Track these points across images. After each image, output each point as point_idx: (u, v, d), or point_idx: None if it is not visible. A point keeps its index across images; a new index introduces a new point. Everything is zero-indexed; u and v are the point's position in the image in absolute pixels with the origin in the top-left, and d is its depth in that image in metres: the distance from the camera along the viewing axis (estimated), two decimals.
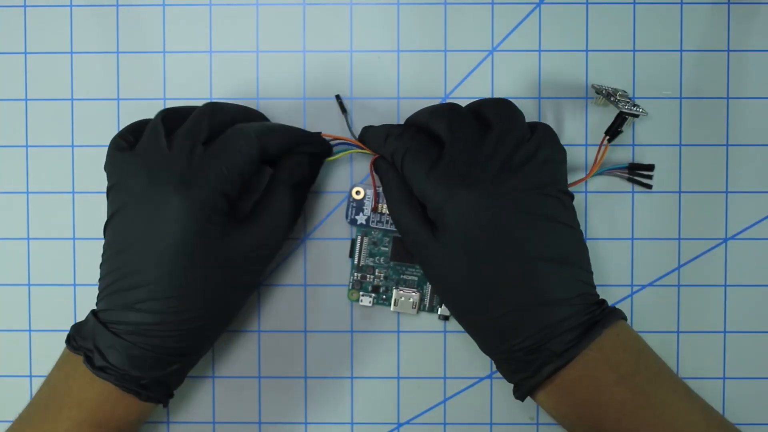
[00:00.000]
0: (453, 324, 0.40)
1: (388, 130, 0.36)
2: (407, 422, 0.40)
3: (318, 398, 0.40)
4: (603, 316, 0.33)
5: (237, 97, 0.40)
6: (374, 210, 0.39)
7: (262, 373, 0.41)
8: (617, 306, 0.39)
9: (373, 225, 0.40)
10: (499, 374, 0.40)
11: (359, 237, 0.40)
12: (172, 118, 0.35)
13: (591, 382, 0.32)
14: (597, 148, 0.39)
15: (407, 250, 0.39)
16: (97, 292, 0.35)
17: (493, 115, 0.34)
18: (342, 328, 0.40)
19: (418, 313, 0.40)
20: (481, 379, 0.40)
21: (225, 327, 0.37)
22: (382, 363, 0.40)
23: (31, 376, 0.41)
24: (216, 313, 0.35)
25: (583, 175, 0.40)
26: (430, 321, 0.40)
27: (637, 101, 0.39)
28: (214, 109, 0.35)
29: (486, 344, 0.35)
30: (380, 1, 0.41)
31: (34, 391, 0.40)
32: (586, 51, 0.40)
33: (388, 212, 0.39)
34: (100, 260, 0.40)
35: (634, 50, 0.40)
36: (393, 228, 0.39)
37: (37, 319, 0.41)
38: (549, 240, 0.33)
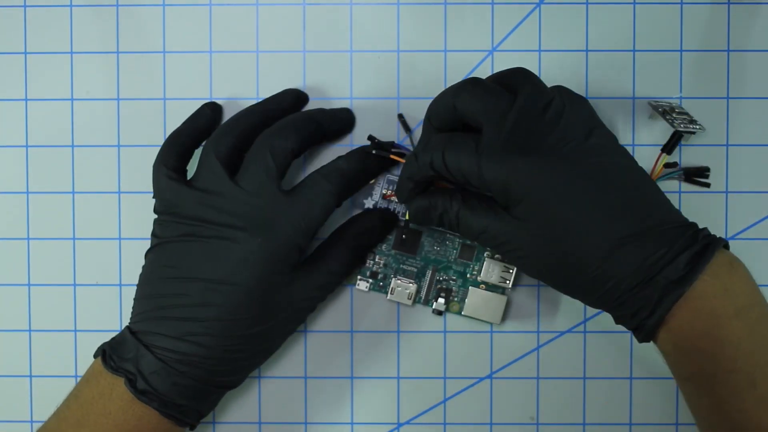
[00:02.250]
0: (453, 323, 0.40)
1: (414, 151, 0.35)
2: (407, 422, 0.40)
3: (318, 398, 0.40)
4: (710, 240, 0.32)
5: (237, 97, 0.40)
6: (384, 197, 0.39)
7: (262, 374, 0.41)
8: None
9: None
10: (499, 374, 0.40)
11: None
12: (223, 142, 0.35)
13: (709, 314, 0.30)
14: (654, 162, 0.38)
15: (410, 241, 0.39)
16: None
17: (515, 83, 0.34)
18: (342, 328, 0.40)
19: (413, 304, 0.40)
20: (481, 379, 0.40)
21: (259, 365, 0.38)
22: (382, 363, 0.40)
23: (31, 376, 0.41)
24: (260, 353, 0.36)
25: None
26: (430, 320, 0.40)
27: (694, 116, 0.38)
28: (272, 136, 0.35)
29: (602, 297, 0.32)
30: (380, 1, 0.41)
31: (34, 391, 0.40)
32: (586, 51, 0.40)
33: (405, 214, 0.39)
34: (99, 260, 0.41)
35: (634, 50, 0.40)
36: (400, 217, 0.39)
37: (37, 319, 0.41)
38: (619, 173, 0.32)
